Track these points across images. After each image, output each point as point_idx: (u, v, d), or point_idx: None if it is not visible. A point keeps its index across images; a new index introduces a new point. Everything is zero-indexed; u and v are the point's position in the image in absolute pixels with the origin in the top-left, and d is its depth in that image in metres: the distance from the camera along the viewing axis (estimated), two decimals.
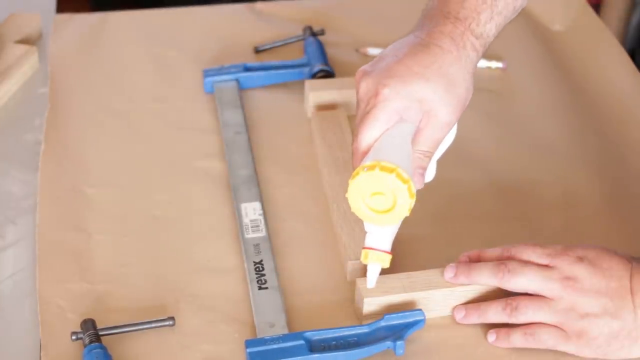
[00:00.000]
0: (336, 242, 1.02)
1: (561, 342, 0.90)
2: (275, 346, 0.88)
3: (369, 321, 0.92)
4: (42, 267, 0.98)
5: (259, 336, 0.91)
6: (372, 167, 0.86)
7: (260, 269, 0.97)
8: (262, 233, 1.01)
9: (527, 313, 0.90)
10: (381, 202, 0.87)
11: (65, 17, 1.34)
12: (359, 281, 0.94)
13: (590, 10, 1.38)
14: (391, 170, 0.86)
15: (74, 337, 0.89)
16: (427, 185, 0.94)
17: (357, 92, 0.92)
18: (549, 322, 0.90)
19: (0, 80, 1.19)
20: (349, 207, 0.90)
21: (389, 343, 0.89)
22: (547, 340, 0.90)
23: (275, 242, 1.02)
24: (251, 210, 1.04)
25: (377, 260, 0.91)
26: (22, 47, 1.24)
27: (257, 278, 0.97)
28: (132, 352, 0.90)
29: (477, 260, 0.95)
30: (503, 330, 0.91)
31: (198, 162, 1.12)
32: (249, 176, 1.08)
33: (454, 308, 0.94)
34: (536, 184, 1.11)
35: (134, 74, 1.25)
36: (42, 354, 0.90)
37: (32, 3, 1.35)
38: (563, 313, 0.89)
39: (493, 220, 1.06)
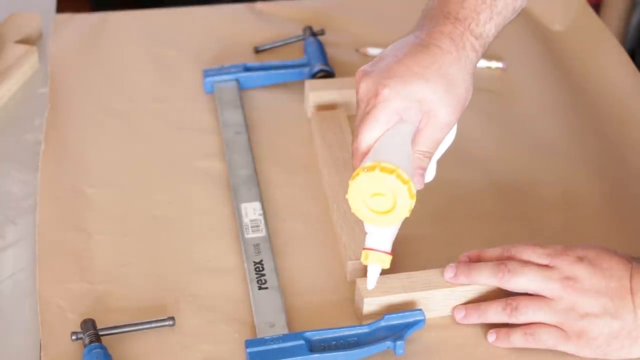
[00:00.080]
0: (336, 242, 1.02)
1: (561, 342, 0.90)
2: (275, 346, 0.88)
3: (369, 321, 0.92)
4: (42, 267, 0.98)
5: (259, 336, 0.91)
6: (372, 168, 0.86)
7: (260, 269, 0.97)
8: (262, 233, 1.01)
9: (527, 313, 0.90)
10: (381, 203, 0.87)
11: (65, 17, 1.34)
12: (359, 281, 0.94)
13: (590, 10, 1.38)
14: (391, 171, 0.86)
15: (74, 337, 0.89)
16: (427, 185, 0.94)
17: (357, 93, 0.92)
18: (549, 322, 0.90)
19: (0, 80, 1.19)
20: (349, 207, 0.90)
21: (389, 343, 0.89)
22: (547, 340, 0.90)
23: (275, 242, 1.02)
24: (251, 210, 1.04)
25: (377, 261, 0.91)
26: (22, 47, 1.24)
27: (257, 278, 0.97)
28: (132, 352, 0.90)
29: (477, 260, 0.95)
30: (503, 330, 0.91)
31: (198, 162, 1.12)
32: (249, 176, 1.08)
33: (454, 308, 0.94)
34: (536, 184, 1.11)
35: (134, 74, 1.25)
36: (42, 354, 0.90)
37: (32, 3, 1.35)
38: (563, 313, 0.89)
39: (493, 220, 1.06)
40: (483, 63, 1.25)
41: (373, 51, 1.28)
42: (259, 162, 1.12)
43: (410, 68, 0.90)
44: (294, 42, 1.29)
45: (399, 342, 0.89)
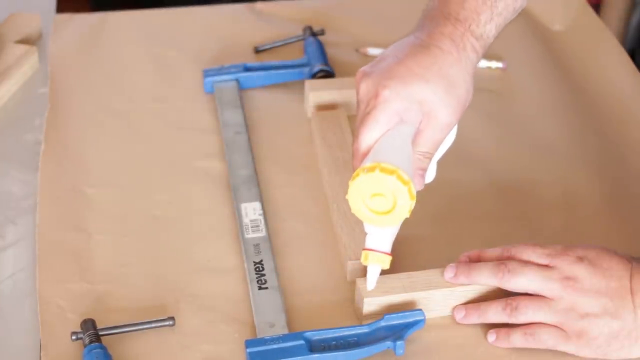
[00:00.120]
0: (336, 242, 1.02)
1: (561, 342, 0.90)
2: (275, 346, 0.88)
3: (369, 321, 0.92)
4: (42, 267, 0.98)
5: (259, 336, 0.91)
6: (372, 169, 0.86)
7: (260, 269, 0.97)
8: (262, 233, 1.01)
9: (527, 313, 0.90)
10: (381, 204, 0.87)
11: (65, 17, 1.34)
12: (359, 281, 0.94)
13: (590, 10, 1.38)
14: (391, 172, 0.85)
15: (74, 337, 0.89)
16: (427, 185, 0.94)
17: (358, 93, 0.92)
18: (549, 322, 0.90)
19: (0, 80, 1.19)
20: (349, 207, 0.90)
21: (389, 343, 0.89)
22: (547, 340, 0.90)
23: (275, 242, 1.02)
24: (251, 210, 1.04)
25: (377, 262, 0.91)
26: (22, 47, 1.24)
27: (257, 278, 0.97)
28: (132, 352, 0.90)
29: (477, 260, 0.95)
30: (503, 330, 0.91)
31: (198, 162, 1.12)
32: (249, 176, 1.08)
33: (454, 308, 0.94)
34: (536, 184, 1.11)
35: (134, 74, 1.25)
36: (42, 354, 0.90)
37: (32, 3, 1.35)
38: (563, 313, 0.89)
39: (493, 220, 1.06)
40: (483, 63, 1.25)
41: (373, 51, 1.28)
42: (259, 162, 1.12)
43: (410, 69, 0.90)
44: (294, 42, 1.29)
45: (399, 342, 0.89)
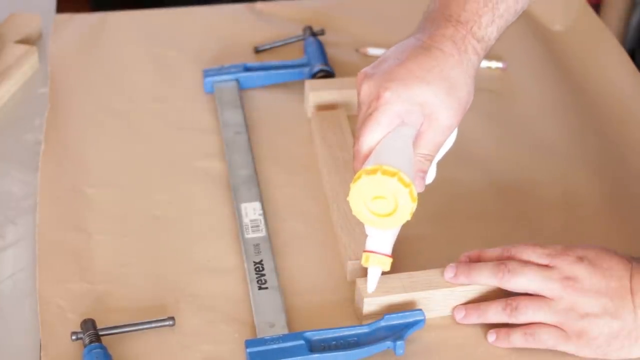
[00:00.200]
0: (336, 242, 1.02)
1: (561, 342, 0.90)
2: (275, 346, 0.88)
3: (369, 321, 0.92)
4: (42, 267, 0.98)
5: (259, 336, 0.91)
6: (373, 171, 0.86)
7: (260, 269, 0.97)
8: (262, 233, 1.01)
9: (527, 313, 0.90)
10: (383, 206, 0.87)
11: (65, 17, 1.34)
12: (359, 281, 0.94)
13: (590, 10, 1.38)
14: (393, 174, 0.85)
15: (74, 337, 0.89)
16: (427, 185, 0.94)
17: (359, 95, 0.92)
18: (549, 322, 0.90)
19: (0, 80, 1.19)
20: (349, 207, 0.90)
21: (389, 343, 0.89)
22: (547, 340, 0.90)
23: (275, 242, 1.02)
24: (251, 210, 1.04)
25: (377, 264, 0.91)
26: (22, 47, 1.24)
27: (257, 278, 0.97)
28: (132, 352, 0.90)
29: (477, 260, 0.95)
30: (503, 330, 0.91)
31: (198, 162, 1.12)
32: (249, 176, 1.08)
33: (454, 308, 0.94)
34: (536, 184, 1.11)
35: (134, 74, 1.25)
36: (42, 354, 0.90)
37: (32, 3, 1.35)
38: (563, 313, 0.89)
39: (493, 220, 1.06)
40: (483, 63, 1.24)
41: (373, 51, 1.28)
42: (259, 162, 1.12)
43: (411, 71, 0.90)
44: (294, 42, 1.29)
45: (399, 342, 0.89)
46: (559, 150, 1.16)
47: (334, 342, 0.90)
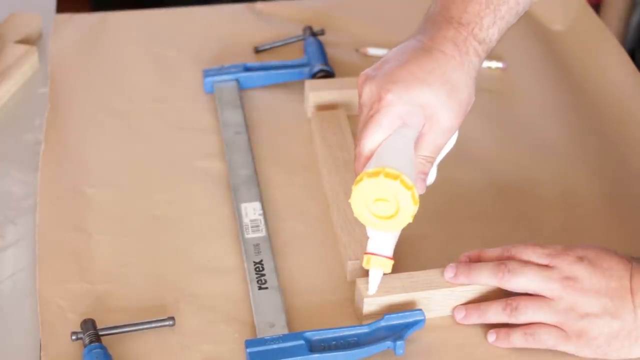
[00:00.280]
0: (336, 242, 1.02)
1: (561, 342, 0.90)
2: (275, 346, 0.88)
3: (369, 321, 0.92)
4: (42, 267, 0.98)
5: (259, 336, 0.91)
6: (376, 174, 0.86)
7: (260, 269, 0.97)
8: (262, 233, 1.01)
9: (527, 313, 0.90)
10: (384, 208, 0.87)
11: (65, 17, 1.34)
12: (359, 281, 0.94)
13: (590, 10, 1.38)
14: (395, 177, 0.85)
15: (74, 337, 0.89)
16: (428, 186, 0.94)
17: (360, 96, 0.92)
18: (549, 322, 0.90)
19: (0, 80, 1.19)
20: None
21: (389, 343, 0.89)
22: (547, 340, 0.90)
23: (275, 242, 1.02)
24: (251, 210, 1.04)
25: (379, 266, 0.91)
26: (22, 47, 1.24)
27: (257, 278, 0.97)
28: (132, 352, 0.90)
29: (477, 260, 0.95)
30: (503, 330, 0.91)
31: (198, 162, 1.12)
32: (249, 176, 1.08)
33: (454, 308, 0.94)
34: (536, 184, 1.11)
35: (134, 74, 1.25)
36: (42, 354, 0.90)
37: (32, 3, 1.35)
38: (563, 313, 0.89)
39: (493, 220, 1.06)
40: (483, 63, 1.25)
41: (373, 51, 1.28)
42: (259, 162, 1.12)
43: (413, 73, 0.90)
44: (294, 42, 1.29)
45: (399, 342, 0.89)
46: (559, 150, 1.16)
47: (334, 342, 0.90)
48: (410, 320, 0.91)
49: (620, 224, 1.06)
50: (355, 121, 0.95)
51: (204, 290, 0.97)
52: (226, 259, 1.00)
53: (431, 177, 0.95)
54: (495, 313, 0.92)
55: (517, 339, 0.91)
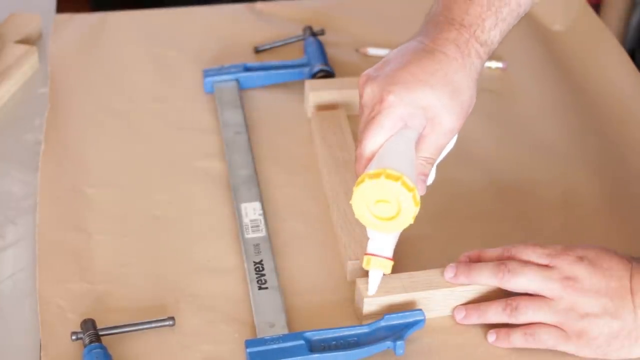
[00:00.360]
0: (336, 242, 1.02)
1: (561, 342, 0.90)
2: (275, 346, 0.88)
3: (369, 321, 0.92)
4: (42, 267, 0.98)
5: (259, 336, 0.91)
6: (377, 175, 0.86)
7: (260, 269, 0.97)
8: (262, 233, 1.01)
9: (527, 313, 0.90)
10: (385, 210, 0.87)
11: (65, 17, 1.34)
12: (359, 281, 0.94)
13: (590, 10, 1.38)
14: (397, 179, 0.85)
15: (74, 337, 0.89)
16: (427, 187, 0.94)
17: (361, 97, 0.92)
18: (549, 322, 0.90)
19: (0, 80, 1.19)
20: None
21: (389, 343, 0.89)
22: (547, 340, 0.90)
23: (275, 242, 1.02)
24: (251, 210, 1.04)
25: (379, 267, 0.91)
26: (22, 47, 1.24)
27: (257, 278, 0.97)
28: (132, 352, 0.90)
29: (477, 260, 0.95)
30: (503, 331, 0.91)
31: (198, 162, 1.12)
32: (249, 176, 1.08)
33: (454, 308, 0.94)
34: (536, 184, 1.11)
35: (134, 74, 1.25)
36: (42, 354, 0.90)
37: (32, 3, 1.35)
38: (563, 313, 0.89)
39: (493, 220, 1.06)
40: None
41: (373, 51, 1.28)
42: (259, 162, 1.12)
43: (415, 75, 0.90)
44: (294, 42, 1.29)
45: (399, 342, 0.89)
46: (559, 150, 1.16)
47: (334, 342, 0.90)
48: (410, 320, 0.91)
49: (620, 224, 1.06)
50: (355, 121, 0.95)
51: (204, 290, 0.97)
52: (226, 259, 1.00)
53: (430, 178, 0.95)
54: (495, 313, 0.92)
55: (517, 339, 0.91)
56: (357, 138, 0.92)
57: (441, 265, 0.95)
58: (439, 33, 0.92)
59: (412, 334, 0.91)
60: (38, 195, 1.06)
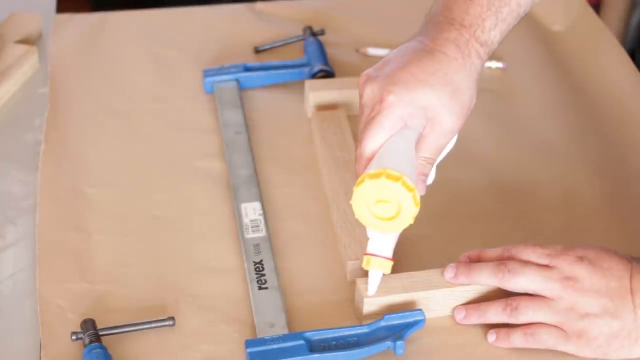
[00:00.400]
0: (336, 242, 1.02)
1: (561, 342, 0.90)
2: (275, 346, 0.88)
3: (369, 321, 0.92)
4: (42, 267, 0.98)
5: (259, 336, 0.91)
6: (377, 175, 0.86)
7: (260, 269, 0.97)
8: (262, 233, 1.01)
9: (527, 313, 0.90)
10: (385, 210, 0.87)
11: (65, 17, 1.34)
12: (359, 281, 0.94)
13: (590, 10, 1.38)
14: (397, 179, 0.86)
15: (74, 337, 0.89)
16: (427, 186, 0.94)
17: (361, 97, 0.92)
18: (549, 322, 0.90)
19: (0, 80, 1.19)
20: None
21: (389, 343, 0.89)
22: (547, 340, 0.90)
23: (275, 242, 1.02)
24: (251, 210, 1.04)
25: (378, 267, 0.91)
26: (22, 47, 1.24)
27: (257, 278, 0.97)
28: (132, 352, 0.90)
29: (477, 260, 0.95)
30: (503, 331, 0.91)
31: (198, 162, 1.12)
32: (249, 176, 1.08)
33: (454, 308, 0.94)
34: (536, 184, 1.11)
35: (134, 74, 1.25)
36: (42, 354, 0.90)
37: (32, 3, 1.35)
38: (563, 313, 0.89)
39: (493, 220, 1.06)
40: None
41: (373, 51, 1.28)
42: (259, 162, 1.12)
43: (415, 74, 0.90)
44: (294, 42, 1.29)
45: (399, 342, 0.89)
46: (559, 150, 1.16)
47: (334, 342, 0.90)
48: (410, 320, 0.91)
49: (620, 224, 1.06)
50: (355, 121, 0.95)
51: (204, 290, 0.97)
52: (226, 259, 1.00)
53: (430, 178, 0.95)
54: (495, 313, 0.92)
55: (517, 339, 0.91)
56: (357, 138, 0.92)
57: (441, 265, 0.95)
58: (439, 33, 0.92)
59: (412, 334, 0.91)
60: (38, 195, 1.06)
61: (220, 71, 1.22)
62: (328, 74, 1.22)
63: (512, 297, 0.92)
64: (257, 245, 1.00)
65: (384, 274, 0.92)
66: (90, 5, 2.02)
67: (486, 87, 1.22)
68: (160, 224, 1.04)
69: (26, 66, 1.23)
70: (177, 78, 1.24)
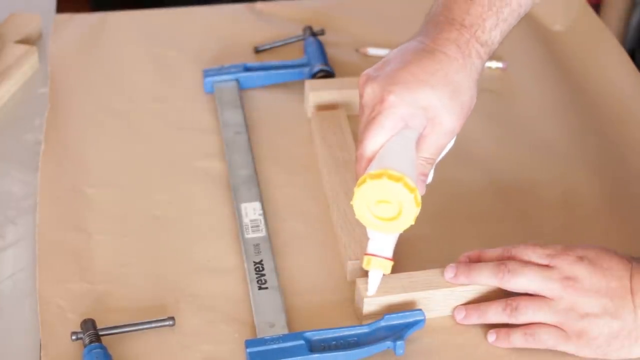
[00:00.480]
0: (336, 242, 1.02)
1: (561, 342, 0.90)
2: (275, 346, 0.88)
3: (369, 321, 0.92)
4: (42, 267, 0.98)
5: (259, 336, 0.91)
6: (378, 176, 0.86)
7: (260, 269, 0.97)
8: (262, 233, 1.01)
9: (527, 313, 0.90)
10: (386, 210, 0.87)
11: (65, 17, 1.34)
12: (359, 281, 0.94)
13: (590, 10, 1.38)
14: (398, 179, 0.85)
15: (74, 337, 0.89)
16: (427, 185, 0.94)
17: (361, 97, 0.92)
18: (549, 322, 0.90)
19: (0, 80, 1.19)
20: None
21: (389, 343, 0.89)
22: (547, 340, 0.90)
23: (275, 242, 1.02)
24: (251, 210, 1.04)
25: (379, 267, 0.91)
26: (22, 47, 1.24)
27: (257, 278, 0.97)
28: (132, 352, 0.90)
29: (477, 260, 0.95)
30: (503, 331, 0.91)
31: (198, 162, 1.12)
32: (249, 176, 1.08)
33: (454, 308, 0.94)
34: (536, 183, 1.11)
35: (134, 74, 1.25)
36: (42, 354, 0.90)
37: (32, 3, 1.35)
38: (563, 313, 0.89)
39: (493, 220, 1.06)
40: None
41: (373, 51, 1.28)
42: (259, 162, 1.12)
43: (415, 75, 0.89)
44: (294, 42, 1.29)
45: (399, 342, 0.89)
46: (559, 150, 1.16)
47: (334, 342, 0.90)
48: (410, 320, 0.91)
49: (620, 224, 1.06)
50: (355, 121, 0.95)
51: (204, 290, 0.97)
52: (226, 259, 1.00)
53: (429, 177, 0.95)
54: (495, 313, 0.92)
55: (517, 339, 0.91)
56: (357, 138, 0.92)
57: (441, 265, 0.95)
58: (439, 33, 0.92)
59: (412, 334, 0.91)
60: (38, 195, 1.06)
61: (220, 71, 1.22)
62: (328, 74, 1.22)
63: (512, 297, 0.92)
64: (257, 245, 1.00)
65: (384, 274, 0.92)
66: (90, 5, 2.02)
67: (486, 87, 1.22)
68: (160, 224, 1.04)
69: (26, 66, 1.23)
70: (177, 78, 1.24)
